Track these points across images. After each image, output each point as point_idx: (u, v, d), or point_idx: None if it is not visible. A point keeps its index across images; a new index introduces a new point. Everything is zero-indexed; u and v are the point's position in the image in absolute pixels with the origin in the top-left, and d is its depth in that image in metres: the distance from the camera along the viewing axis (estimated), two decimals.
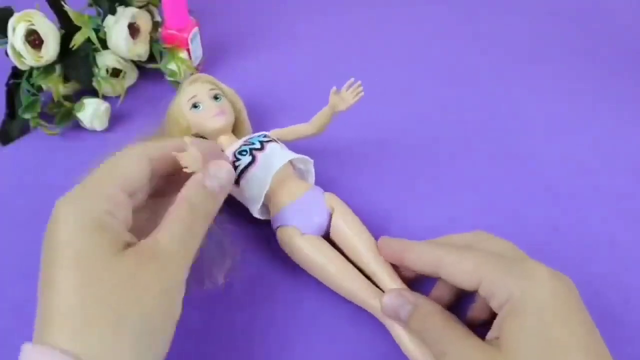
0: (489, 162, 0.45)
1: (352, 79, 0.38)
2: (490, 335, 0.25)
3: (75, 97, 0.47)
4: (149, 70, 0.52)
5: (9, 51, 0.44)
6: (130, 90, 0.51)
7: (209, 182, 0.27)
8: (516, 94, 0.53)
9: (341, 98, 0.38)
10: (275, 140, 0.38)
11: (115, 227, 0.23)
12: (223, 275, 0.32)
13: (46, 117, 0.46)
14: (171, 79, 0.50)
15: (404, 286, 0.31)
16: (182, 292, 0.24)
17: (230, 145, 0.38)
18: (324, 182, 0.42)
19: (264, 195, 0.35)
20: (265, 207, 0.37)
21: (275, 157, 0.36)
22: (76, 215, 0.22)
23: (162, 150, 0.28)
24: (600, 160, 0.46)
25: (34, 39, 0.44)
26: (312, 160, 0.38)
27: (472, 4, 0.69)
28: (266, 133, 0.39)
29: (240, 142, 0.38)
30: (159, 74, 0.52)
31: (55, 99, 0.46)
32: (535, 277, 0.24)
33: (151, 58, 0.51)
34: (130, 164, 0.26)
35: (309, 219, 0.34)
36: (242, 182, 0.35)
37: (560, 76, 0.56)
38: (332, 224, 0.35)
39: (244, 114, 0.43)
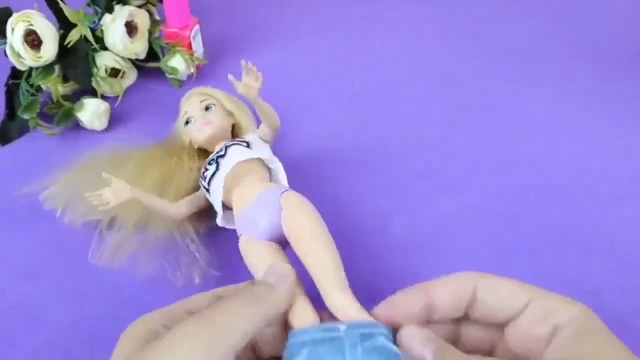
0: (488, 161, 0.45)
1: (243, 62, 0.35)
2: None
3: (75, 97, 0.47)
4: (149, 70, 0.52)
5: (8, 51, 0.44)
6: (130, 90, 0.51)
7: (261, 277, 0.25)
8: (516, 94, 0.53)
9: (245, 86, 0.36)
10: (244, 143, 0.37)
11: (158, 332, 0.23)
12: (196, 275, 0.34)
13: (46, 117, 0.46)
14: (172, 76, 0.50)
15: (352, 297, 0.26)
16: None
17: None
18: (320, 184, 0.42)
19: (220, 203, 0.34)
20: (232, 214, 0.35)
21: (229, 162, 0.35)
22: (133, 327, 0.23)
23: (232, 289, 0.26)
24: (600, 161, 0.45)
25: (33, 39, 0.44)
26: (276, 159, 0.36)
27: (472, 4, 0.69)
28: (246, 139, 0.38)
29: (218, 148, 0.37)
30: (159, 74, 0.52)
31: (55, 99, 0.46)
32: (582, 306, 0.23)
33: (151, 57, 0.51)
34: (198, 298, 0.25)
35: (256, 225, 0.31)
36: (210, 191, 0.35)
37: (560, 76, 0.56)
38: (282, 225, 0.30)
39: (245, 118, 0.42)
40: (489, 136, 0.47)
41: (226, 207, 0.35)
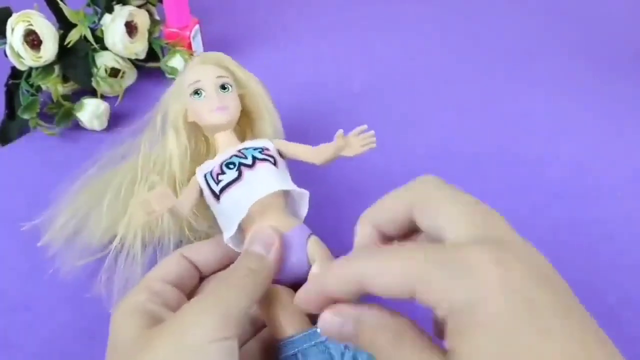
0: (488, 162, 0.45)
1: (365, 127, 0.32)
2: (449, 344, 0.19)
3: (75, 97, 0.47)
4: (148, 70, 0.52)
5: (8, 51, 0.44)
6: (130, 90, 0.51)
7: (249, 246, 0.28)
8: (516, 94, 0.53)
9: (348, 143, 0.32)
10: (272, 159, 0.32)
11: (149, 308, 0.25)
12: None
13: (46, 117, 0.46)
14: (172, 76, 0.50)
15: None
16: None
17: (227, 148, 0.33)
18: (319, 184, 0.42)
19: (237, 224, 0.29)
20: (243, 235, 0.31)
21: (263, 183, 0.30)
22: (122, 307, 0.26)
23: (197, 248, 0.31)
24: (600, 160, 0.45)
25: (33, 39, 0.44)
26: (307, 193, 0.32)
27: (472, 4, 0.69)
28: (266, 146, 0.33)
29: (233, 150, 0.32)
30: (159, 74, 0.52)
31: (55, 99, 0.46)
32: (480, 272, 0.17)
33: (151, 57, 0.51)
34: (167, 263, 0.29)
35: (282, 266, 0.29)
36: (222, 199, 0.30)
37: (560, 76, 0.56)
38: (309, 276, 0.28)
39: (264, 109, 0.36)
40: (489, 136, 0.47)
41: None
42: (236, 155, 0.32)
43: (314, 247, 0.29)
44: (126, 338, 0.24)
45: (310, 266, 0.29)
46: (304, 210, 0.32)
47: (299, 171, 0.43)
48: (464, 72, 0.55)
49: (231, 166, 0.31)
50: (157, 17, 0.54)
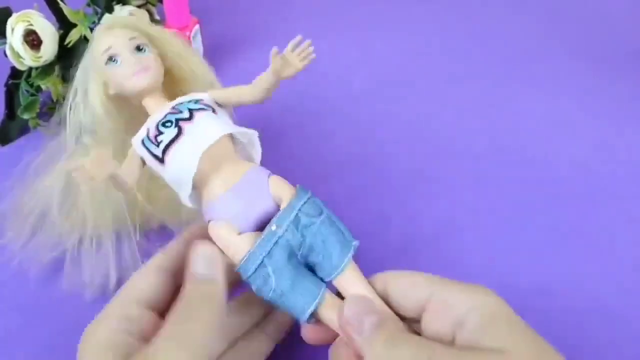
0: (488, 162, 0.45)
1: (300, 37, 0.30)
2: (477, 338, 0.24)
3: None
4: None
5: (8, 51, 0.44)
6: None
7: (193, 268, 0.25)
8: (516, 94, 0.53)
9: (285, 61, 0.29)
10: (209, 108, 0.30)
11: (125, 342, 0.23)
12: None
13: (46, 117, 0.46)
14: None
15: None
16: None
17: (158, 111, 0.30)
18: (319, 185, 0.42)
19: (191, 180, 0.27)
20: (198, 192, 0.29)
21: (206, 131, 0.28)
22: (92, 338, 0.24)
23: (170, 253, 0.28)
24: (601, 161, 0.45)
25: (33, 39, 0.44)
26: (256, 132, 0.30)
27: (472, 4, 0.69)
28: (200, 97, 0.31)
29: (167, 108, 0.30)
30: None
31: (55, 99, 0.46)
32: (485, 291, 0.24)
33: None
34: (142, 279, 0.27)
35: (245, 211, 0.27)
36: (167, 160, 0.28)
37: (561, 76, 0.56)
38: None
39: (190, 65, 0.34)
40: (488, 136, 0.47)
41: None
42: (171, 113, 0.29)
43: (277, 186, 0.28)
44: None
45: (277, 207, 0.27)
46: (257, 152, 0.31)
47: (297, 175, 0.43)
48: (464, 72, 0.55)
49: (168, 124, 0.29)
50: (157, 17, 0.54)
